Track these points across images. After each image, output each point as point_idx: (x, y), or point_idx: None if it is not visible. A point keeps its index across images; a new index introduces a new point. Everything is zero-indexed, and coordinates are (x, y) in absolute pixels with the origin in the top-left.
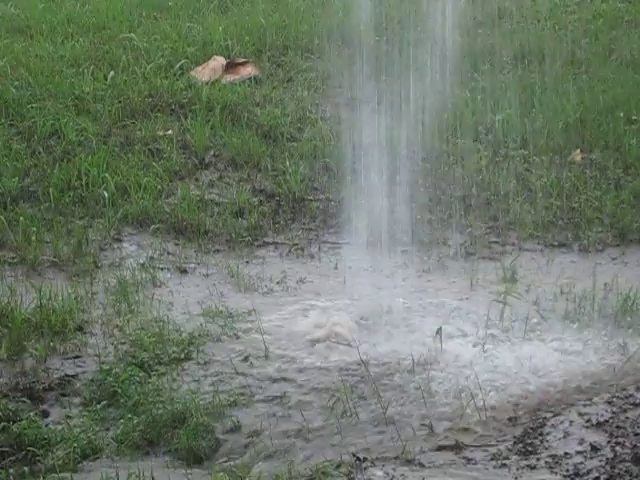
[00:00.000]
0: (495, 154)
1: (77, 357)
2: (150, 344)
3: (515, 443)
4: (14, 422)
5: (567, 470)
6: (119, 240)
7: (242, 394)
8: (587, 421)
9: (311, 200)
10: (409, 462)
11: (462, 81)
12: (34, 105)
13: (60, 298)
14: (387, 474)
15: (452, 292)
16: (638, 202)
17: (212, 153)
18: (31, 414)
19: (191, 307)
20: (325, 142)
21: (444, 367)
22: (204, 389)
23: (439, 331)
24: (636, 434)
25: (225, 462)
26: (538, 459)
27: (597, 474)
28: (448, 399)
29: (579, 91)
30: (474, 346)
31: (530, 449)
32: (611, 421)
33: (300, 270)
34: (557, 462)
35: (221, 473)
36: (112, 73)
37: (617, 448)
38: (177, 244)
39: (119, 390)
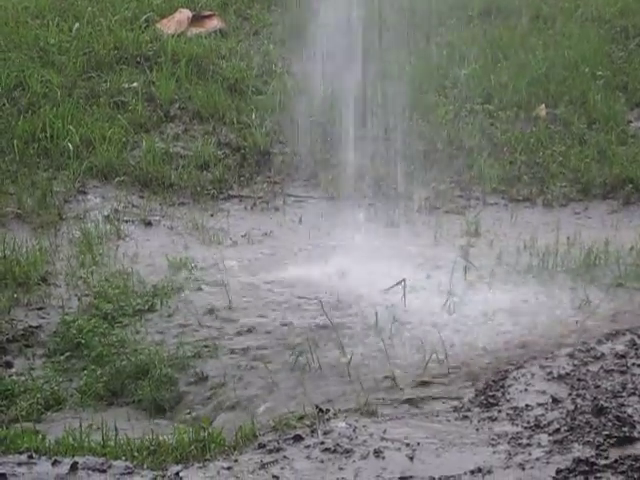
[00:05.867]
0: (460, 108)
1: (41, 308)
2: (114, 296)
3: (477, 395)
4: None
5: (528, 422)
6: (84, 192)
7: (206, 346)
8: (548, 374)
9: (276, 153)
10: (371, 414)
11: (428, 35)
12: None
13: (24, 250)
14: (349, 425)
15: (416, 245)
16: (602, 157)
17: (177, 106)
18: None
19: (155, 259)
20: (290, 95)
21: (407, 319)
22: (168, 341)
23: (401, 283)
24: (597, 387)
25: (188, 413)
26: (499, 411)
27: (558, 425)
28: (411, 352)
29: (544, 46)
30: (437, 299)
31: (491, 401)
32: (572, 374)
33: (264, 223)
34: (518, 414)
35: (184, 424)
36: (77, 25)
37: (578, 400)
38: (142, 197)
39: (83, 341)
